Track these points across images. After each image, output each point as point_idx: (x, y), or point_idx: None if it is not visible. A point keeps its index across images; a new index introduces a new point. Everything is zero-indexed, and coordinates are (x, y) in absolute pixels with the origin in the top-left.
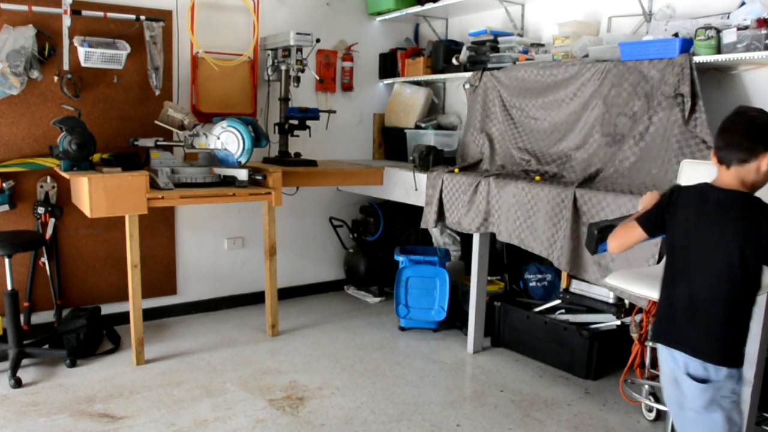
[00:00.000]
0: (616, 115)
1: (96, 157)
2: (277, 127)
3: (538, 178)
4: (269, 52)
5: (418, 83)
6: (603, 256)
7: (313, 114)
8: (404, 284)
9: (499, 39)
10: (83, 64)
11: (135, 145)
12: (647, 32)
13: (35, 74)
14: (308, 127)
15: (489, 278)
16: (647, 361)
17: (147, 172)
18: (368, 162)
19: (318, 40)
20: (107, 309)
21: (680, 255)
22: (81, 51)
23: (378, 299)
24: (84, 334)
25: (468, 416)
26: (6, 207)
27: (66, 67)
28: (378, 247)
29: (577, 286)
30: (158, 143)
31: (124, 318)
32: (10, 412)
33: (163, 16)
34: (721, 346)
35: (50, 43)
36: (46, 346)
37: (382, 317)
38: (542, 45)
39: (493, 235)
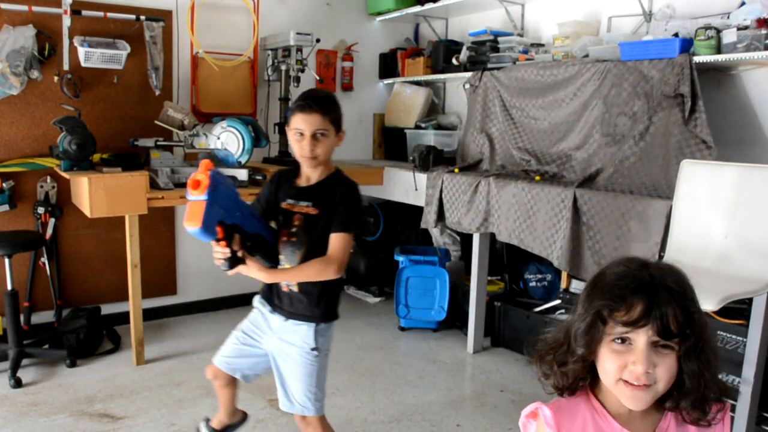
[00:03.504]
0: (616, 115)
1: (96, 157)
2: (277, 127)
3: (538, 178)
4: (269, 52)
5: (418, 83)
6: (603, 255)
7: None
8: (404, 284)
9: (499, 39)
10: (83, 64)
11: (135, 145)
12: (647, 32)
13: (35, 74)
14: None
15: (489, 278)
16: None
17: (147, 172)
18: (368, 162)
19: (318, 40)
20: (107, 309)
21: None
22: (81, 51)
23: (378, 299)
24: (84, 334)
25: (468, 416)
26: (6, 207)
27: (66, 67)
28: (378, 247)
29: (577, 286)
30: (158, 143)
31: (124, 318)
32: (10, 412)
33: (163, 16)
34: None
35: (50, 43)
36: (46, 346)
37: (382, 317)
38: (542, 45)
39: (493, 235)
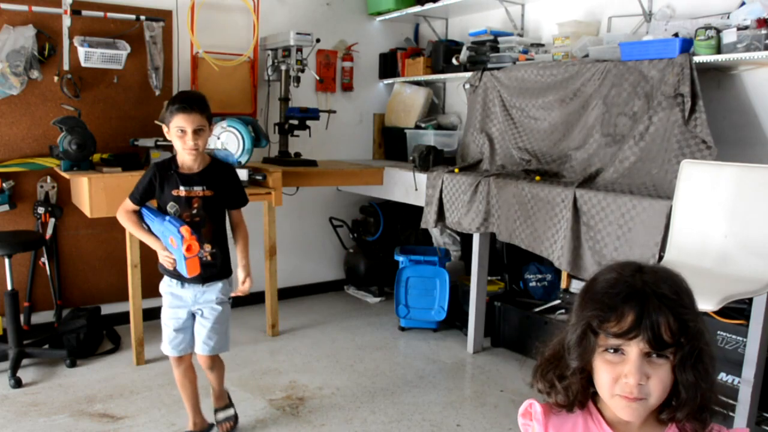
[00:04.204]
0: (616, 115)
1: (96, 157)
2: (277, 127)
3: (538, 178)
4: (269, 52)
5: (418, 83)
6: (603, 255)
7: (313, 114)
8: (404, 284)
9: (499, 39)
10: (83, 64)
11: (135, 145)
12: (647, 32)
13: (35, 74)
14: (308, 127)
15: (489, 278)
16: None
17: None
18: (368, 162)
19: (318, 40)
20: (107, 309)
21: None
22: (81, 51)
23: (378, 299)
24: (84, 334)
25: (468, 416)
26: (6, 207)
27: (66, 67)
28: (378, 247)
29: (577, 286)
30: (158, 143)
31: (124, 318)
32: (10, 412)
33: (163, 16)
34: None
35: (50, 43)
36: (46, 346)
37: (382, 317)
38: (542, 45)
39: (493, 235)
